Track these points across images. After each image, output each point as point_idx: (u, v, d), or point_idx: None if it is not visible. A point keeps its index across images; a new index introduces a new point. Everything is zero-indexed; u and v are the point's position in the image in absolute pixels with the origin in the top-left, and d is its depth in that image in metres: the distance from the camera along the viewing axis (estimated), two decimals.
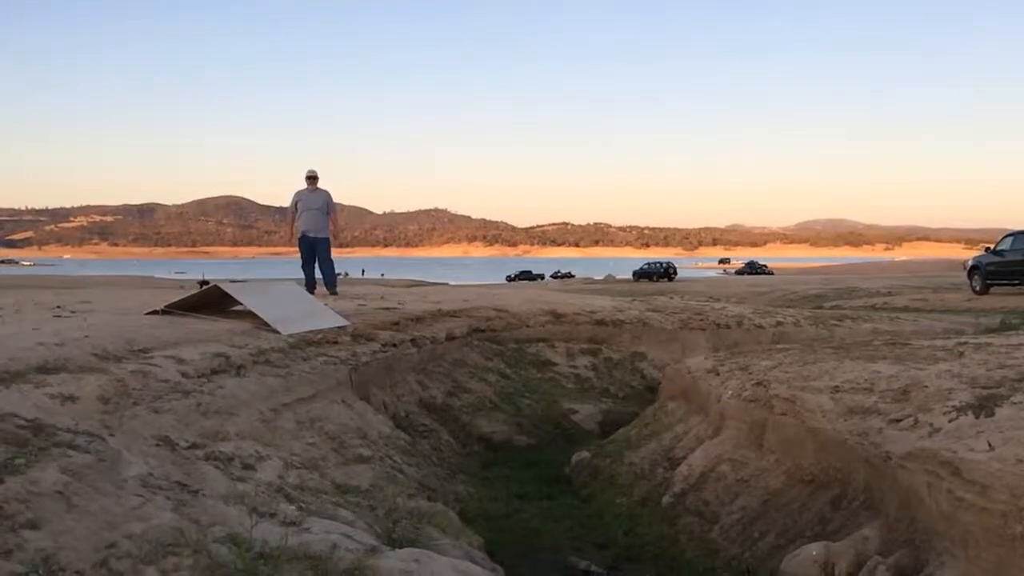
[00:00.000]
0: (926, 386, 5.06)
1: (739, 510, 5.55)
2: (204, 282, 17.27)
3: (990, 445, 3.75)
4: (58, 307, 8.62)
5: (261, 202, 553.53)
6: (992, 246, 20.39)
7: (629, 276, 63.51)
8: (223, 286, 8.59)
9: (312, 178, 12.24)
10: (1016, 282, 18.98)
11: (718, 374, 7.37)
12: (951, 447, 3.92)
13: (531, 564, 5.32)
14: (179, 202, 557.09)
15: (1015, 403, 4.22)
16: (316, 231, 12.19)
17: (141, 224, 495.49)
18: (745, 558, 5.04)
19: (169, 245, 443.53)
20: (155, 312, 8.01)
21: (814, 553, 4.24)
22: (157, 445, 4.14)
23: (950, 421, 4.26)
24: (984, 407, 4.28)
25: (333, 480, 5.06)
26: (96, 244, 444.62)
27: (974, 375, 5.10)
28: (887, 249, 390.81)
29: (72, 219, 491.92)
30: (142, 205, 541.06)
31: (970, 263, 21.31)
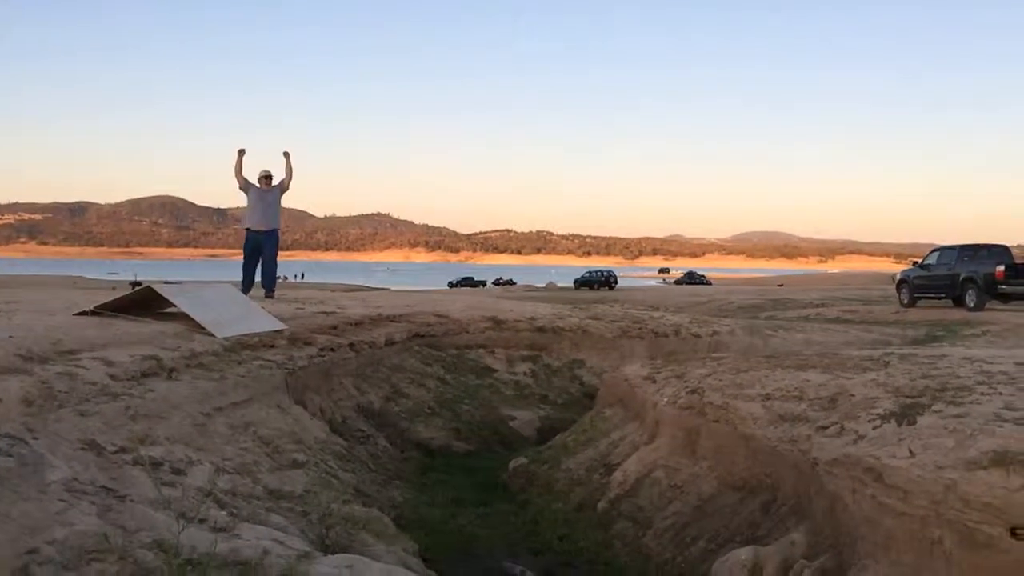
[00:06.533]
0: (853, 395, 5.21)
1: (672, 515, 5.64)
2: (136, 283, 16.87)
3: (911, 452, 3.88)
4: None
5: (199, 203, 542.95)
6: (919, 261, 21.04)
7: (570, 284, 63.82)
8: (156, 287, 8.38)
9: (267, 178, 12.07)
10: (941, 295, 19.58)
11: (654, 381, 7.47)
12: (875, 454, 4.04)
13: (466, 570, 5.32)
14: (112, 201, 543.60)
15: (936, 411, 4.36)
16: (266, 225, 11.99)
17: (72, 223, 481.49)
18: (677, 563, 5.12)
19: (101, 245, 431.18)
20: (84, 313, 7.79)
21: (743, 557, 4.33)
22: (83, 449, 4.02)
23: (874, 429, 4.39)
24: (907, 415, 4.42)
25: (266, 485, 4.99)
26: (24, 243, 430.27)
27: (898, 384, 5.26)
28: (820, 261, 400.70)
29: None
30: (73, 204, 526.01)
31: (898, 277, 21.93)
